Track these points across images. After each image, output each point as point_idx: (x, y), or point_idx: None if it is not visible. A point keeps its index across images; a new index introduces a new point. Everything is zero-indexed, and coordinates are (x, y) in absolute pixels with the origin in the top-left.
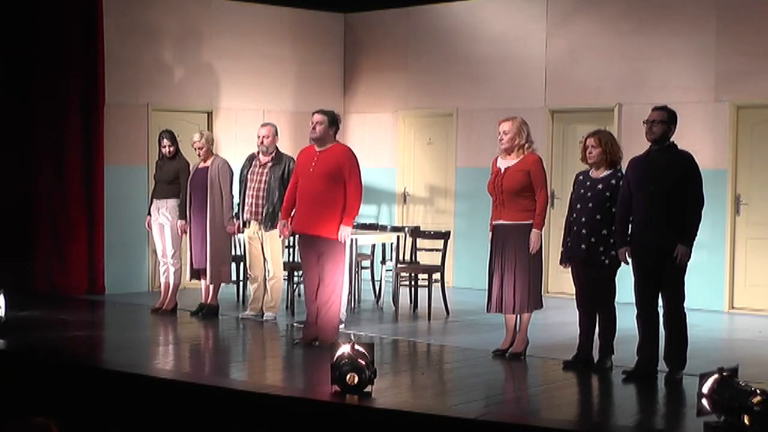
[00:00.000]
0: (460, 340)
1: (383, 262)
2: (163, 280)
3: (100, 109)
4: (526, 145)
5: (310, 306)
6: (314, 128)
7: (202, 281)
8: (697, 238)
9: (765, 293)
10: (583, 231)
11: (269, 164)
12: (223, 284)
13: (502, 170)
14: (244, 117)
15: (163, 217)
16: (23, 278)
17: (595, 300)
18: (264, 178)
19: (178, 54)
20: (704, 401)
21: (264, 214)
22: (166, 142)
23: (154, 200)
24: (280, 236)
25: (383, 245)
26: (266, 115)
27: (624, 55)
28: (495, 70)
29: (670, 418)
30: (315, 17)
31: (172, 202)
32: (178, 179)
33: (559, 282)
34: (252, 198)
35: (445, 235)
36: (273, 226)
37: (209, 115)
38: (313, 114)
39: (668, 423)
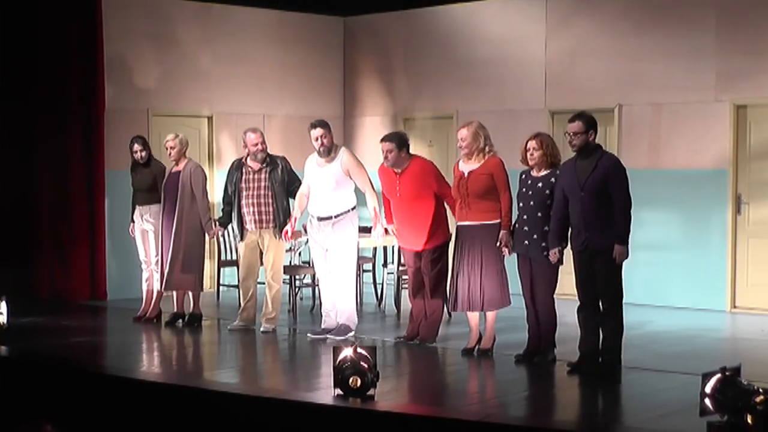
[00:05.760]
0: (462, 343)
1: (385, 265)
2: (145, 287)
3: (101, 114)
4: (486, 149)
5: (415, 308)
6: (386, 157)
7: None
8: (694, 237)
9: (767, 292)
10: (525, 228)
11: (265, 170)
12: (222, 290)
13: (466, 174)
14: (245, 121)
15: (146, 223)
16: (25, 284)
17: (536, 295)
18: (263, 184)
19: (178, 59)
20: (707, 401)
21: (274, 222)
22: (137, 147)
23: (137, 207)
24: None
25: (384, 248)
26: (267, 120)
27: (624, 56)
28: (495, 72)
29: (672, 417)
30: (314, 21)
31: (155, 208)
32: (157, 185)
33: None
34: (253, 206)
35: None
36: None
37: (209, 119)
38: (380, 142)
39: (670, 423)
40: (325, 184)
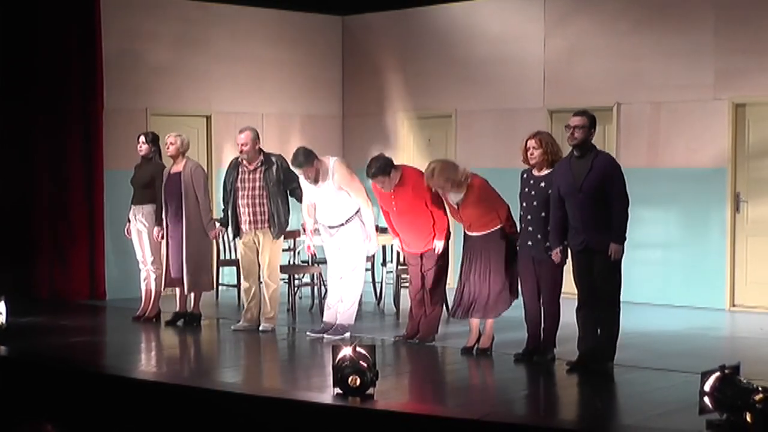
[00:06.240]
0: (462, 342)
1: (384, 264)
2: (143, 287)
3: (100, 114)
4: (462, 178)
5: (415, 307)
6: (382, 187)
7: (177, 290)
8: (693, 236)
9: (766, 290)
10: (529, 228)
11: (260, 169)
12: (221, 290)
13: (456, 206)
14: (243, 121)
15: (140, 223)
16: (25, 284)
17: (542, 295)
18: (258, 184)
19: (176, 58)
20: (706, 399)
21: (269, 222)
22: (141, 139)
23: (132, 206)
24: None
25: (384, 247)
26: (265, 119)
27: (622, 55)
28: (493, 70)
29: (671, 416)
30: (312, 20)
31: (148, 208)
32: (153, 183)
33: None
34: (248, 207)
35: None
36: (281, 234)
37: (208, 119)
38: (369, 179)
39: (669, 421)
40: (325, 200)
